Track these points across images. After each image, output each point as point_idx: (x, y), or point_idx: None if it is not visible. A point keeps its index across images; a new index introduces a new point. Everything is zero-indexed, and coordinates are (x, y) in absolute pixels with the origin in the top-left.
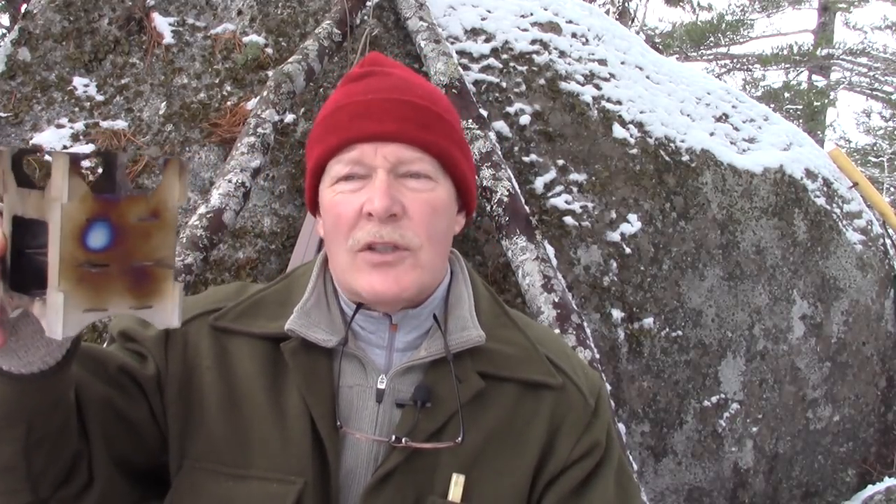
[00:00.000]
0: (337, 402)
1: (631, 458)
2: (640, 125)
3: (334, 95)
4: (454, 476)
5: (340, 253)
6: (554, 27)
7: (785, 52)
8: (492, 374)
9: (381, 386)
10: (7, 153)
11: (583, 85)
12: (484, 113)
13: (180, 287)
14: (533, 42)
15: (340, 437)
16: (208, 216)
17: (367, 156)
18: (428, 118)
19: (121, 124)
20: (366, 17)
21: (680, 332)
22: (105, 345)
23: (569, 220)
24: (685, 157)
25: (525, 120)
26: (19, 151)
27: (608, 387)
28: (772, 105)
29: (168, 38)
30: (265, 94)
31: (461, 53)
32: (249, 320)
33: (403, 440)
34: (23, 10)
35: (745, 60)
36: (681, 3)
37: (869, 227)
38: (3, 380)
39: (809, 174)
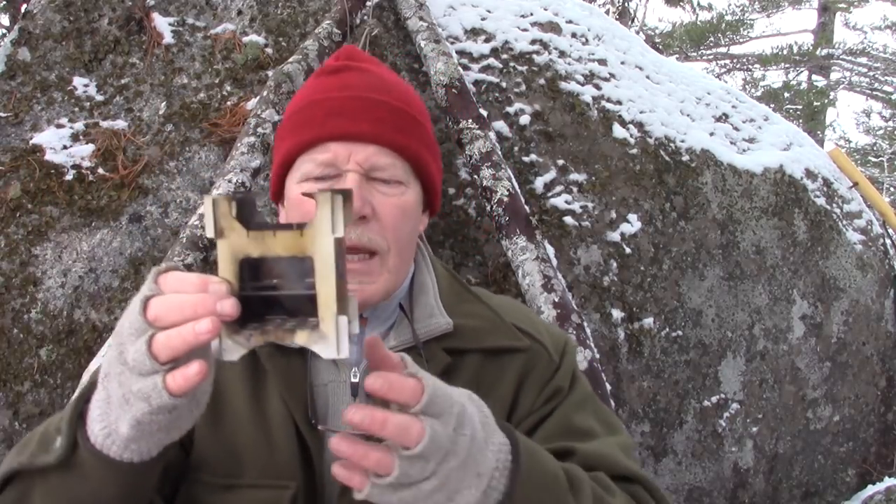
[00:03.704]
0: (313, 401)
1: None
2: (640, 125)
3: (308, 88)
4: None
5: None
6: (554, 27)
7: (785, 52)
8: (456, 349)
9: (355, 380)
10: (223, 201)
11: (583, 85)
12: (484, 113)
13: (354, 297)
14: (533, 42)
15: (322, 436)
16: None
17: (340, 159)
18: (404, 121)
19: (121, 124)
20: (366, 17)
21: (680, 332)
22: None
23: (569, 220)
24: (685, 157)
25: (525, 120)
26: (242, 199)
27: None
28: (772, 105)
29: (168, 38)
30: (265, 94)
31: (461, 53)
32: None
33: None
34: (23, 10)
35: (745, 60)
36: (681, 3)
37: (869, 227)
38: (135, 468)
39: (809, 174)
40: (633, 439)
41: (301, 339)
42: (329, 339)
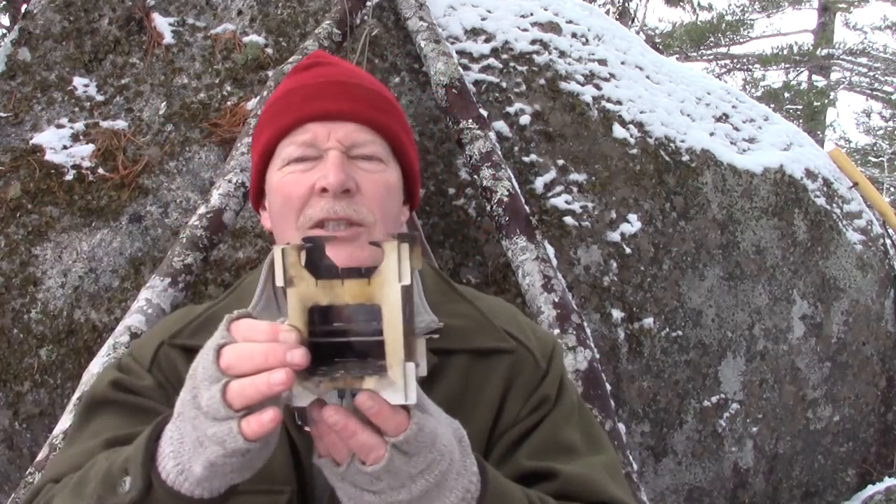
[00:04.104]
0: None
1: (631, 457)
2: (640, 125)
3: (283, 85)
4: None
5: (289, 232)
6: (554, 27)
7: (785, 52)
8: (443, 349)
9: None
10: (292, 250)
11: (583, 85)
12: (484, 113)
13: (423, 340)
14: (533, 42)
15: (309, 437)
16: (208, 216)
17: (320, 138)
18: (380, 101)
19: (121, 124)
20: (366, 17)
21: (680, 332)
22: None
23: (569, 220)
24: (685, 157)
25: (525, 120)
26: (312, 247)
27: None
28: (772, 105)
29: (168, 38)
30: (265, 94)
31: (461, 53)
32: (206, 335)
33: None
34: (23, 10)
35: (745, 60)
36: (681, 3)
37: (869, 227)
38: (205, 502)
39: (809, 174)
40: (616, 454)
41: (369, 384)
42: (397, 385)
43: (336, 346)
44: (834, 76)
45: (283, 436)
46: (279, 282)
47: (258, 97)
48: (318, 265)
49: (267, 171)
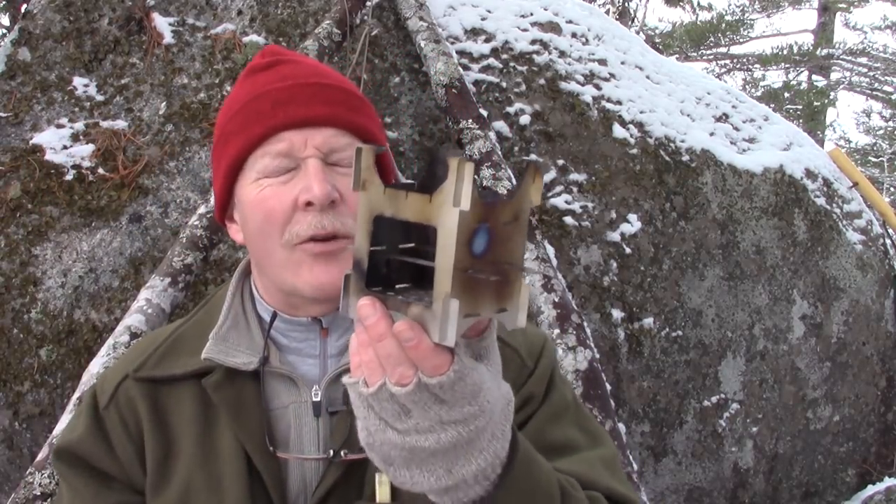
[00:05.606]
0: (271, 426)
1: (631, 457)
2: (640, 125)
3: (243, 88)
4: (377, 476)
5: (274, 250)
6: (554, 27)
7: (785, 52)
8: None
9: (317, 398)
10: (370, 151)
11: (583, 85)
12: (484, 113)
13: (528, 287)
14: (533, 42)
15: (282, 463)
16: (208, 216)
17: (296, 146)
18: (354, 101)
19: (121, 124)
20: (366, 17)
21: (680, 332)
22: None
23: (569, 220)
24: (685, 157)
25: (525, 120)
26: (438, 160)
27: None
28: (772, 105)
29: (168, 38)
30: None
31: (461, 53)
32: (171, 361)
33: (342, 453)
34: (23, 10)
35: (745, 60)
36: (681, 3)
37: (869, 227)
38: None
39: (809, 174)
40: (616, 450)
41: (413, 313)
42: (437, 319)
43: (412, 266)
44: (834, 76)
45: (243, 465)
46: (352, 185)
47: None
48: (440, 178)
49: (236, 184)
